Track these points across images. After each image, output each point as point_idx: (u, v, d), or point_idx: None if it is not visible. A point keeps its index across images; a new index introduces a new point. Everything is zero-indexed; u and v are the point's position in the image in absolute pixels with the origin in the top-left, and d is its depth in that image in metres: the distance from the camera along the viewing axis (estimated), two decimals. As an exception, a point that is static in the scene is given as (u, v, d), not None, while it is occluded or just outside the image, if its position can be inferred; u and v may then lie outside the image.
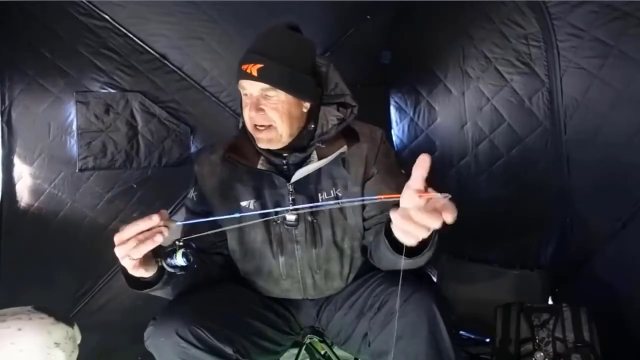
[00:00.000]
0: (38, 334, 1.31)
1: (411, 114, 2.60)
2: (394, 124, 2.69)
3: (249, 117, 1.32)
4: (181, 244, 1.07)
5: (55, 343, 1.32)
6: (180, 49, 2.21)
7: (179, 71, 2.23)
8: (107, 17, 2.07)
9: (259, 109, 1.30)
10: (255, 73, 1.27)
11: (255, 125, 1.33)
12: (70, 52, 2.07)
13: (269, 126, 1.32)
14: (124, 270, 1.11)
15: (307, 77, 1.34)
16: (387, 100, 2.69)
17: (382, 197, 0.97)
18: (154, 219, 0.99)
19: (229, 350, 1.21)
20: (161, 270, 1.14)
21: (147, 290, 1.18)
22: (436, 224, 0.85)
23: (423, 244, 1.04)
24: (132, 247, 1.00)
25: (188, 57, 2.23)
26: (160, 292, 1.24)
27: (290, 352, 1.57)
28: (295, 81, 1.31)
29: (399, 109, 2.66)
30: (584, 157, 2.05)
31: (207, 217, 1.46)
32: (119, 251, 1.02)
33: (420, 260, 1.12)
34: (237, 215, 1.25)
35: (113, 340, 2.11)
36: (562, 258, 2.23)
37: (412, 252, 1.06)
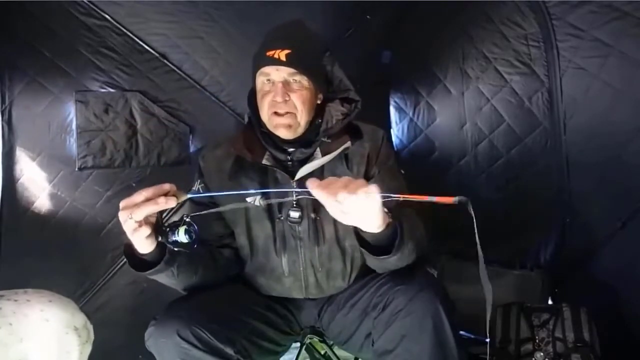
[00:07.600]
0: (64, 310, 1.36)
1: (411, 114, 2.60)
2: (393, 124, 2.69)
3: (271, 103, 1.32)
4: (188, 220, 1.06)
5: (75, 327, 1.36)
6: (179, 48, 2.20)
7: (178, 70, 2.22)
8: (106, 16, 2.06)
9: (285, 94, 1.30)
10: (283, 58, 1.27)
11: (276, 112, 1.33)
12: (69, 52, 2.07)
13: (290, 113, 1.33)
14: (126, 248, 1.11)
15: (323, 68, 1.38)
16: (387, 100, 2.69)
17: (402, 196, 0.99)
18: (165, 187, 1.00)
19: (229, 351, 1.22)
20: (162, 250, 1.13)
21: (150, 271, 1.15)
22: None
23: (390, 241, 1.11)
24: (137, 207, 0.99)
25: (187, 56, 2.22)
26: (164, 276, 1.20)
27: (290, 352, 1.57)
28: (317, 69, 1.36)
29: (399, 109, 2.65)
30: (584, 157, 2.05)
31: (213, 208, 1.44)
32: (122, 213, 1.01)
33: (392, 261, 1.16)
34: (247, 203, 1.28)
35: (113, 339, 2.10)
36: (562, 258, 2.23)
37: (379, 251, 1.14)
